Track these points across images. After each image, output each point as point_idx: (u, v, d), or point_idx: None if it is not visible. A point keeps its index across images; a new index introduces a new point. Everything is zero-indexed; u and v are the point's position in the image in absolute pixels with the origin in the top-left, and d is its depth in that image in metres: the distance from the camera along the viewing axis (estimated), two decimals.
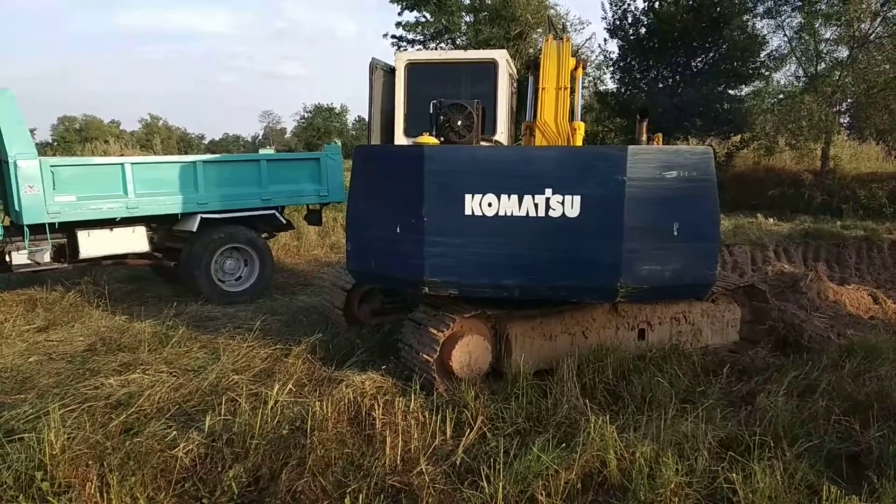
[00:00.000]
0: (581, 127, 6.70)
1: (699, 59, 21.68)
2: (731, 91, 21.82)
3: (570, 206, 4.64)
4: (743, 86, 22.01)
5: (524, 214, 4.67)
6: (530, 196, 4.66)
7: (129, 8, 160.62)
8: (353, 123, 63.99)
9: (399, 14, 25.68)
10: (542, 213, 4.67)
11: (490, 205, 4.69)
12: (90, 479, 3.67)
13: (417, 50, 24.62)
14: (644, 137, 6.00)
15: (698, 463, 3.92)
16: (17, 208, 7.29)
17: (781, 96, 21.63)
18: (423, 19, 25.43)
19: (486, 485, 3.67)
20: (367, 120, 6.61)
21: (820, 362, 5.52)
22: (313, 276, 10.27)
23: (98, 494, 3.55)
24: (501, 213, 4.69)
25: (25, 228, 7.40)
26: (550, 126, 6.53)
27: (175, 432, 4.28)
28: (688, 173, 4.70)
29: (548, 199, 4.66)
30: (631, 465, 3.87)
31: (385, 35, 26.22)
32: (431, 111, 5.85)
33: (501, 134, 6.63)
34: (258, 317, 7.12)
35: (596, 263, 4.73)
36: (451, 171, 4.78)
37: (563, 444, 4.06)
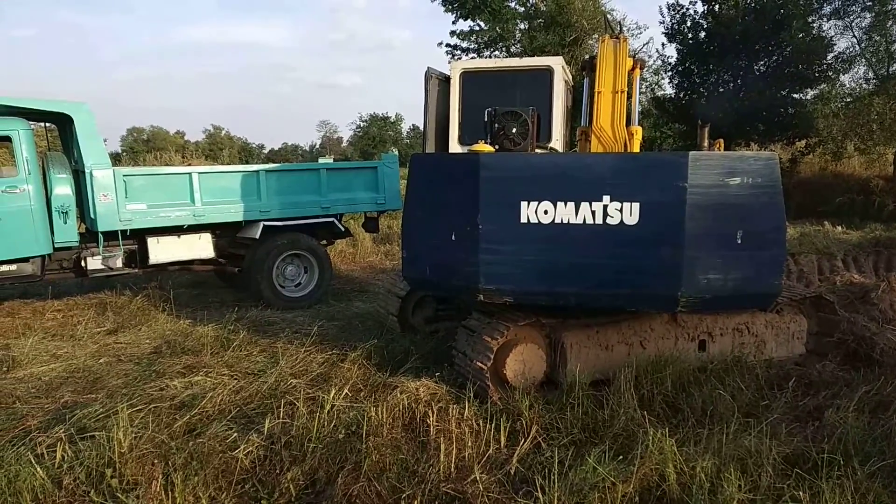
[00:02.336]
0: (638, 132, 6.60)
1: (761, 63, 21.02)
2: (795, 95, 21.07)
3: (629, 213, 4.56)
4: (808, 89, 21.23)
5: (581, 222, 4.62)
6: (587, 203, 4.60)
7: (194, 23, 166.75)
8: (408, 132, 64.67)
9: (453, 23, 25.88)
10: (599, 221, 4.60)
11: (546, 212, 4.65)
12: (156, 477, 3.80)
13: (472, 58, 24.68)
14: (706, 143, 5.85)
15: (762, 480, 3.78)
16: (92, 216, 7.66)
17: (849, 99, 20.76)
18: (478, 27, 25.52)
19: (540, 495, 3.63)
20: (422, 128, 6.63)
21: (893, 377, 5.26)
22: (368, 282, 10.41)
23: (163, 493, 3.67)
24: (558, 221, 4.65)
25: (100, 235, 7.77)
26: (607, 131, 6.45)
27: (236, 434, 4.39)
28: (752, 180, 4.57)
29: (605, 207, 4.59)
30: (691, 479, 3.77)
31: (440, 44, 26.46)
32: (486, 119, 5.85)
33: (557, 141, 6.58)
34: (315, 322, 7.25)
35: (655, 272, 4.63)
36: (506, 178, 4.76)
37: (620, 457, 3.99)
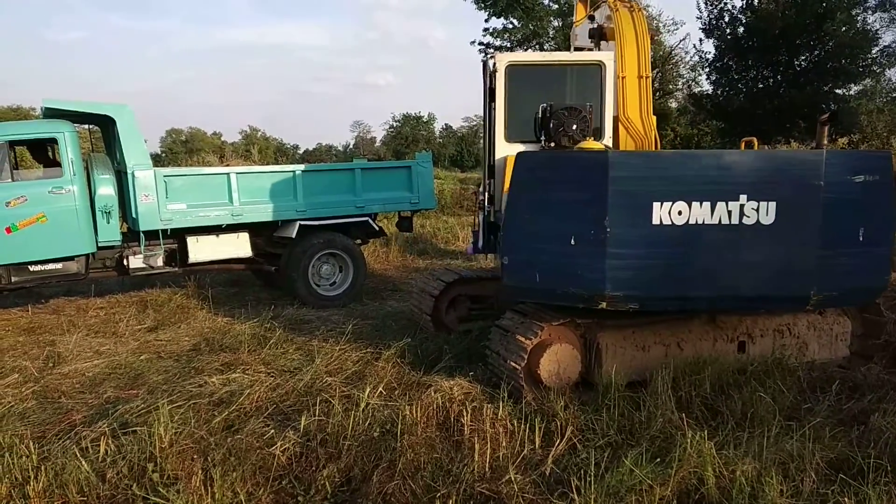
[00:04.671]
0: (653, 121, 6.43)
1: (802, 58, 20.55)
2: (837, 91, 20.55)
3: (766, 212, 4.49)
4: (851, 84, 20.71)
5: (716, 222, 4.51)
6: (724, 203, 4.49)
7: (232, 25, 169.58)
8: (441, 131, 64.74)
9: (486, 21, 25.85)
10: (735, 221, 4.50)
11: (680, 213, 4.50)
12: (195, 472, 3.87)
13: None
14: (825, 140, 5.71)
15: (805, 485, 3.70)
16: (133, 215, 7.85)
17: (895, 95, 20.16)
18: (511, 25, 25.45)
19: (576, 497, 3.60)
20: (486, 123, 6.17)
21: None
22: (402, 281, 10.45)
23: (203, 488, 3.74)
24: (692, 222, 4.51)
25: (141, 234, 7.96)
26: (636, 123, 6.26)
27: (273, 431, 4.45)
28: (871, 177, 4.54)
29: (742, 206, 4.50)
30: (731, 483, 3.69)
31: (473, 42, 26.47)
32: (540, 115, 5.72)
33: (609, 138, 6.34)
34: (350, 321, 7.31)
35: (790, 271, 4.60)
36: (638, 178, 4.56)
37: (658, 459, 3.92)
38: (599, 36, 6.68)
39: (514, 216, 5.00)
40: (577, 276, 4.72)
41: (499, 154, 5.98)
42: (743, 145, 5.76)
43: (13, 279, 7.52)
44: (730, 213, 4.48)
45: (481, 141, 7.39)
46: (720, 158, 4.95)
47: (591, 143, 5.31)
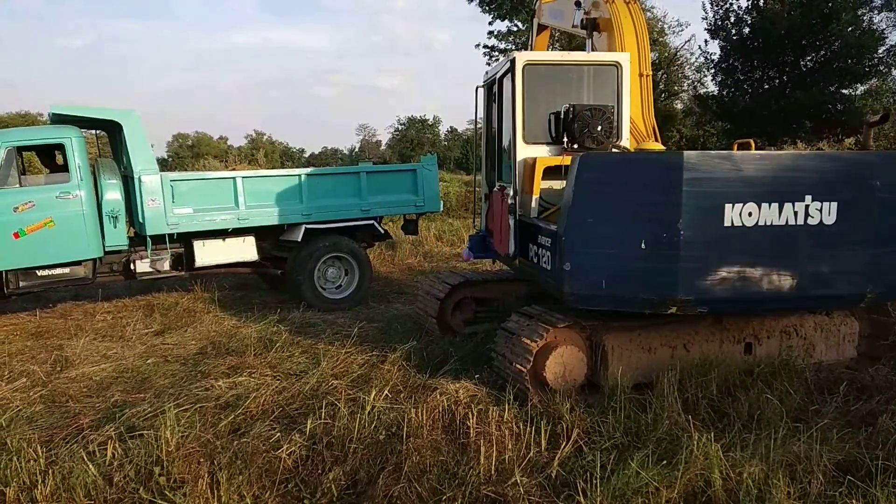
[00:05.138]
0: (654, 120, 6.40)
1: (808, 58, 20.50)
2: (843, 91, 20.47)
3: (828, 212, 4.55)
4: (857, 84, 20.63)
5: (783, 223, 4.54)
6: (790, 204, 4.53)
7: (237, 30, 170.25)
8: (446, 134, 64.78)
9: (490, 24, 25.88)
10: (800, 221, 4.55)
11: (751, 214, 4.52)
12: (202, 475, 3.88)
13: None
14: (871, 143, 5.72)
15: (812, 487, 3.68)
16: (140, 220, 7.89)
17: None
18: (515, 28, 25.47)
19: (582, 499, 3.60)
20: (512, 124, 5.83)
21: None
22: (407, 284, 10.46)
23: (209, 491, 3.75)
24: (761, 223, 4.53)
25: (148, 239, 8.00)
26: (637, 123, 6.23)
27: (279, 434, 4.46)
28: None
29: (807, 207, 4.54)
30: (738, 486, 3.68)
31: (477, 45, 26.49)
32: (563, 115, 5.67)
33: (627, 140, 6.24)
34: (355, 324, 7.32)
35: (847, 271, 4.67)
36: (712, 179, 4.54)
37: (664, 461, 3.91)
38: (592, 27, 6.57)
39: (577, 221, 4.78)
40: (648, 281, 4.66)
41: (519, 156, 5.79)
42: (735, 147, 5.68)
43: (21, 284, 7.57)
44: (796, 213, 4.53)
45: (484, 144, 7.30)
46: (789, 160, 5.04)
47: (651, 144, 5.26)
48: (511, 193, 5.62)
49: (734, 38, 21.33)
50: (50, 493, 3.74)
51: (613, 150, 5.73)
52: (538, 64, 5.97)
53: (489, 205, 7.28)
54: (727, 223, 4.49)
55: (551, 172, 5.72)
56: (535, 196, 5.65)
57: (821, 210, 4.54)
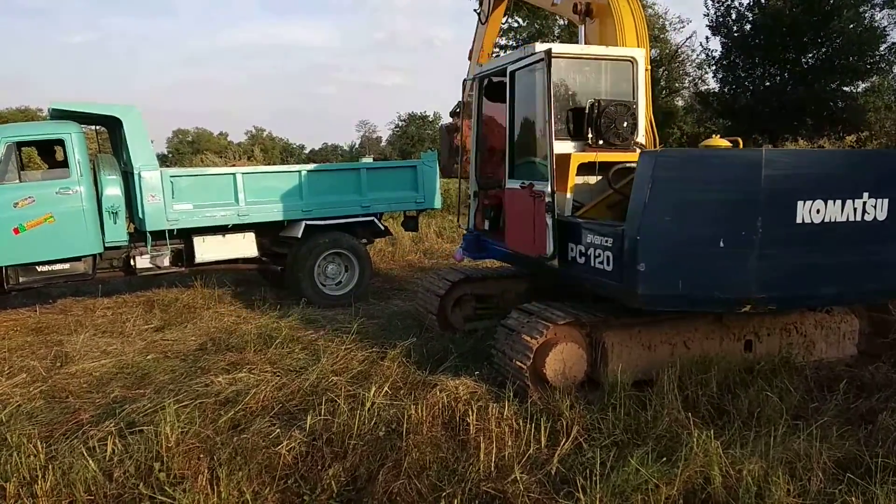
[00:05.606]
0: (651, 116, 6.34)
1: (810, 55, 20.47)
2: (845, 88, 20.44)
3: (881, 209, 4.68)
4: (859, 82, 20.59)
5: (844, 220, 4.64)
6: (850, 200, 4.64)
7: (238, 26, 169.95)
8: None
9: None
10: (858, 218, 4.66)
11: (818, 211, 4.59)
12: (202, 471, 3.89)
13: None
14: None
15: (812, 484, 3.68)
16: (140, 216, 7.89)
17: None
18: (517, 24, 25.43)
19: (582, 496, 3.60)
20: (545, 118, 5.41)
21: None
22: (408, 281, 10.46)
23: (209, 487, 3.75)
24: (826, 220, 4.61)
25: (148, 235, 8.00)
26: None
27: (278, 430, 4.46)
28: None
29: (864, 203, 4.66)
30: (737, 483, 3.68)
31: None
32: (588, 110, 5.58)
33: (643, 136, 6.17)
34: (355, 320, 7.30)
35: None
36: (787, 176, 4.59)
37: (664, 459, 3.92)
38: (586, 12, 6.46)
39: (654, 220, 4.61)
40: (724, 281, 4.64)
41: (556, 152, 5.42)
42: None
43: (21, 279, 7.57)
44: (855, 210, 4.63)
45: (474, 140, 7.16)
46: (851, 156, 5.22)
47: (717, 141, 5.22)
48: (548, 191, 5.34)
49: (735, 34, 21.30)
50: (50, 488, 3.74)
51: (635, 147, 5.70)
52: (561, 57, 5.81)
53: (480, 203, 7.17)
54: (799, 220, 4.56)
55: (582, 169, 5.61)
56: (570, 194, 5.52)
57: (875, 206, 4.66)
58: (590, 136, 5.65)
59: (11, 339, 7.31)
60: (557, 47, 5.72)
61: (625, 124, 5.57)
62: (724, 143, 5.30)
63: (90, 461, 3.95)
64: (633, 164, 5.41)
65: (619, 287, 4.83)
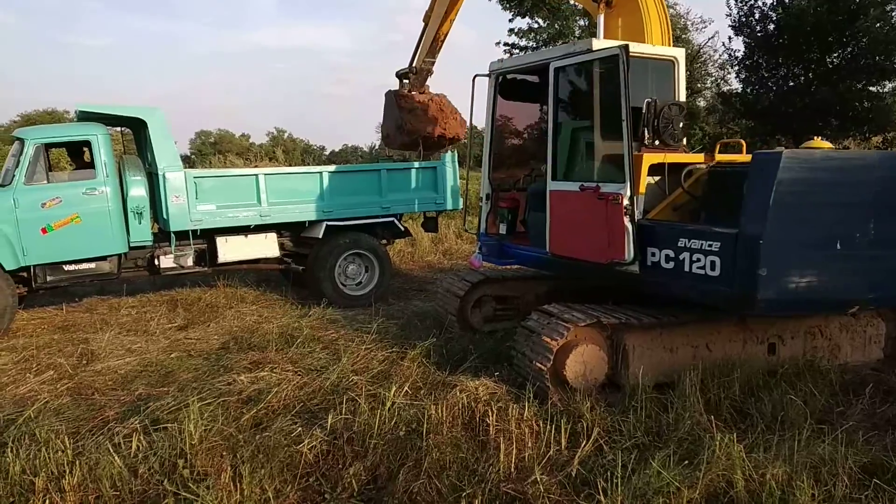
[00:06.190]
0: None
1: (835, 55, 20.10)
2: (871, 88, 20.05)
3: None
4: (885, 81, 20.17)
5: None
6: None
7: (258, 29, 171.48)
8: (466, 132, 64.53)
9: (510, 21, 25.75)
10: None
11: None
12: (224, 469, 3.92)
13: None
14: None
15: (837, 489, 3.63)
16: (164, 216, 7.99)
17: None
18: (536, 25, 25.33)
19: (602, 498, 3.58)
20: (624, 117, 5.13)
21: None
22: (427, 281, 10.48)
23: (232, 484, 3.79)
24: None
25: (172, 235, 8.10)
26: None
27: (300, 429, 4.50)
28: None
29: None
30: (760, 487, 3.65)
31: (497, 43, 26.37)
32: (645, 110, 5.47)
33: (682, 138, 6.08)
34: (375, 320, 7.35)
35: None
36: (893, 178, 4.64)
37: (686, 462, 3.89)
38: (606, 2, 6.37)
39: (775, 223, 4.52)
40: (839, 283, 4.64)
41: (627, 153, 5.16)
42: (718, 147, 5.56)
43: (48, 278, 7.70)
44: None
45: (488, 140, 7.01)
46: None
47: (819, 143, 5.17)
48: (626, 194, 5.15)
49: (759, 34, 20.98)
50: (77, 483, 3.80)
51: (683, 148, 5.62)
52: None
53: (494, 206, 7.03)
54: None
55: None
56: (642, 195, 5.33)
57: None
58: (646, 136, 5.50)
59: (39, 337, 7.44)
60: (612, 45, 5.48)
61: (681, 125, 5.50)
62: (827, 144, 5.22)
63: (116, 457, 4.01)
64: (701, 166, 5.37)
65: (729, 293, 4.67)
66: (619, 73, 5.06)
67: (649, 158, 5.34)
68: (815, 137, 5.40)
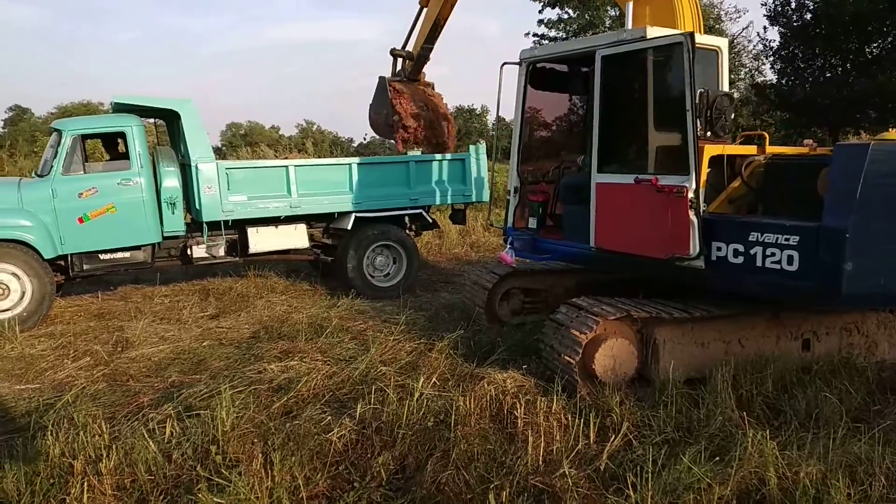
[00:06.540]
0: None
1: (874, 45, 19.57)
2: None
3: None
4: None
5: None
6: None
7: (286, 22, 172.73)
8: (493, 124, 64.35)
9: (540, 11, 25.54)
10: None
11: None
12: (256, 455, 3.98)
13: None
14: None
15: (874, 489, 3.56)
16: (197, 207, 8.11)
17: None
18: (566, 16, 25.09)
19: (632, 493, 3.56)
20: (689, 107, 4.95)
21: None
22: (455, 273, 10.49)
23: (263, 471, 3.85)
24: None
25: (204, 225, 8.22)
26: None
27: (329, 417, 4.54)
28: None
29: None
30: (794, 485, 3.59)
31: (527, 34, 26.20)
32: (697, 101, 5.23)
33: None
34: (403, 311, 7.38)
35: None
36: None
37: (717, 458, 3.84)
38: None
39: (863, 216, 4.39)
40: None
41: (691, 143, 5.00)
42: (739, 139, 5.40)
43: (85, 267, 7.87)
44: None
45: (518, 131, 6.81)
46: None
47: (893, 134, 5.08)
48: (691, 187, 4.96)
49: (795, 24, 20.52)
50: (114, 467, 3.88)
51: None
52: None
53: (523, 199, 6.93)
54: None
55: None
56: (703, 188, 5.14)
57: None
58: (699, 127, 5.30)
59: (76, 324, 7.63)
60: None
61: (732, 116, 5.38)
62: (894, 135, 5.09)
63: (150, 443, 4.09)
64: (759, 158, 5.26)
65: (811, 287, 4.56)
66: (682, 62, 4.91)
67: (710, 150, 5.19)
68: (891, 129, 5.23)
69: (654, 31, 5.31)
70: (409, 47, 9.67)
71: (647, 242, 5.37)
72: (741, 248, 4.87)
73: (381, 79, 9.82)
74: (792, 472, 3.67)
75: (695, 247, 5.00)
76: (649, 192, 5.22)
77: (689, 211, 4.97)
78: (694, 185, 4.96)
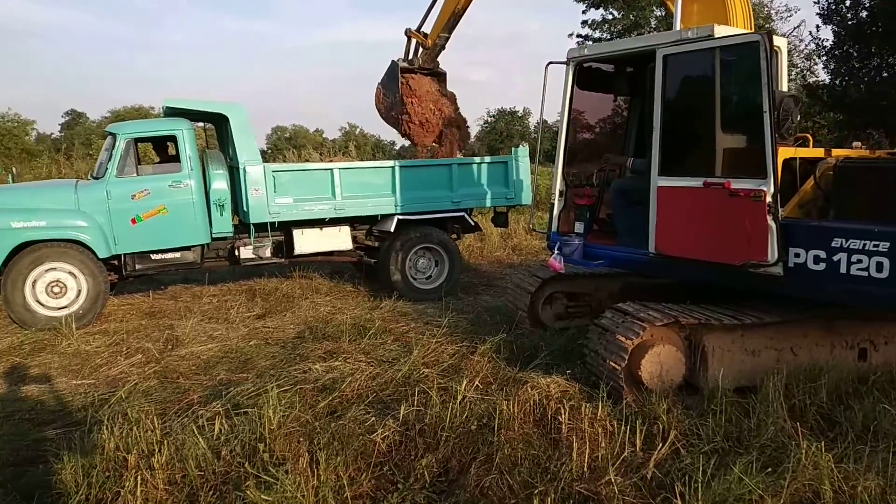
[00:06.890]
0: None
1: None
2: None
3: None
4: None
5: None
6: None
7: (330, 26, 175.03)
8: (535, 125, 63.98)
9: (583, 13, 25.31)
10: None
11: None
12: (302, 454, 4.03)
13: None
14: None
15: None
16: (244, 209, 8.27)
17: None
18: (611, 16, 24.81)
19: (680, 502, 3.49)
20: (770, 108, 4.78)
21: None
22: (496, 277, 10.46)
23: (309, 469, 3.89)
24: None
25: (251, 227, 8.38)
26: None
27: (373, 418, 4.57)
28: None
29: None
30: (851, 499, 3.47)
31: (570, 35, 25.99)
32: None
33: None
34: (445, 314, 7.39)
35: None
36: None
37: (769, 469, 3.74)
38: None
39: None
40: None
41: (770, 146, 4.80)
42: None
43: (137, 266, 8.11)
44: None
45: (563, 133, 6.65)
46: None
47: None
48: (770, 191, 4.77)
49: (850, 22, 19.87)
50: (165, 462, 3.98)
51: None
52: None
53: (569, 203, 6.80)
54: None
55: None
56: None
57: None
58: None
59: (128, 322, 7.86)
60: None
61: (798, 118, 5.26)
62: None
63: (200, 439, 4.17)
64: (829, 161, 5.10)
65: None
66: (758, 62, 4.74)
67: (783, 153, 5.00)
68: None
69: (722, 30, 5.14)
70: (429, 35, 9.63)
71: (717, 248, 5.15)
72: (823, 254, 4.67)
73: (394, 64, 9.73)
74: (849, 486, 3.55)
75: (773, 253, 4.80)
76: (720, 195, 5.02)
77: (767, 216, 4.79)
78: (772, 190, 4.76)
